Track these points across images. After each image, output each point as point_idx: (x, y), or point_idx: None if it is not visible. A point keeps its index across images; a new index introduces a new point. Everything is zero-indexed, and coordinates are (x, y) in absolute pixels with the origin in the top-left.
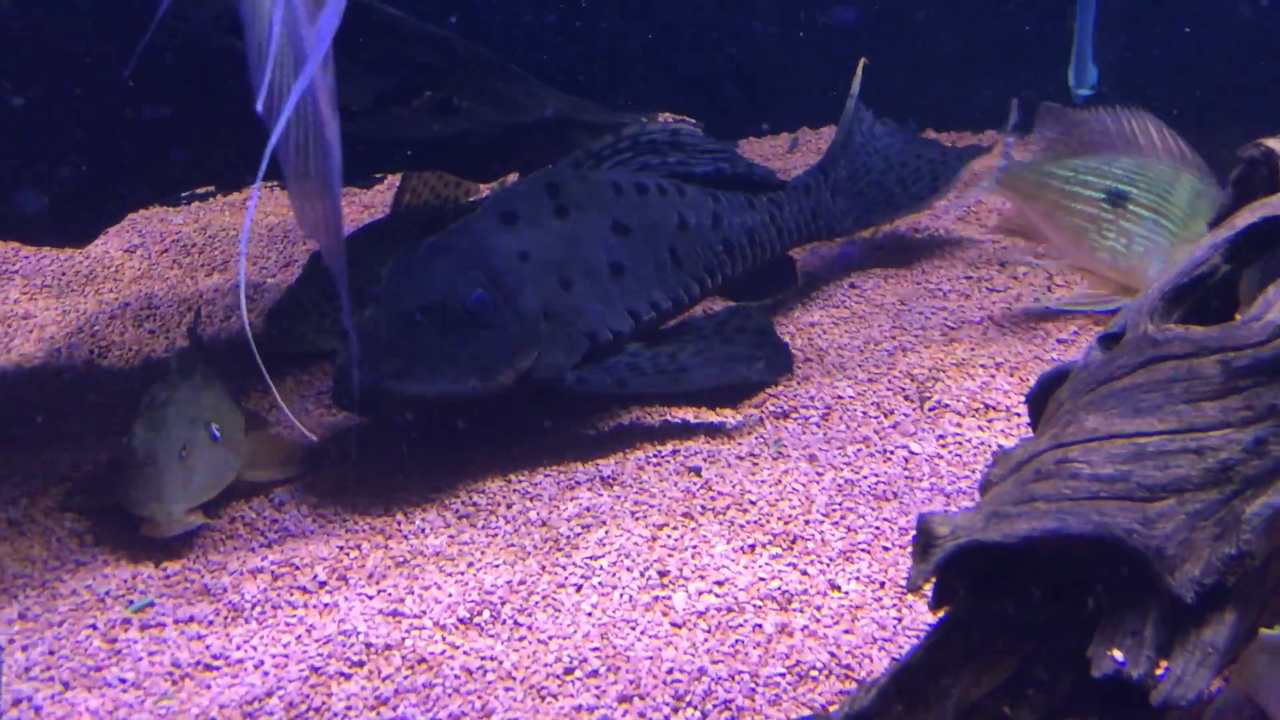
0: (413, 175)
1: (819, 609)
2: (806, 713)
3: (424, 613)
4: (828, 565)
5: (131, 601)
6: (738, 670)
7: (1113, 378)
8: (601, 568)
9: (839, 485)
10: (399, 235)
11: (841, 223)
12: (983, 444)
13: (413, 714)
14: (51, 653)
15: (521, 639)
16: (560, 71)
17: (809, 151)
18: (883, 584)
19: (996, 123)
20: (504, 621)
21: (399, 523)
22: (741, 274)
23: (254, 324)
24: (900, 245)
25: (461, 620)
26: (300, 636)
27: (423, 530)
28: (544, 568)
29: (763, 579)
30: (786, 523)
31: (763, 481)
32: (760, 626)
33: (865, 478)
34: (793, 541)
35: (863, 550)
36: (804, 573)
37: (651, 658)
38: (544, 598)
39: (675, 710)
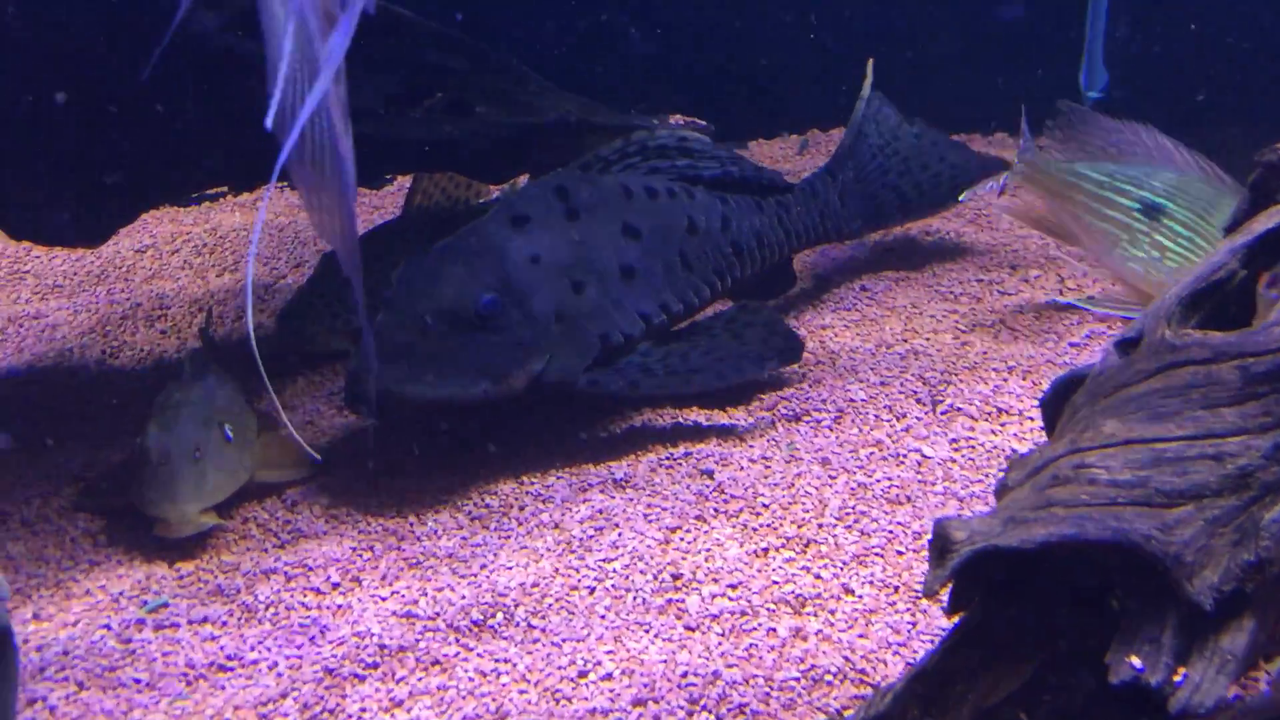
0: (424, 177)
1: (833, 613)
2: (821, 717)
3: (437, 614)
4: (841, 569)
5: (146, 602)
6: (752, 674)
7: (1130, 383)
8: (615, 570)
9: (852, 489)
10: (410, 236)
11: (849, 225)
12: (996, 448)
13: (427, 716)
14: (66, 653)
15: (535, 641)
16: (570, 73)
17: (819, 153)
18: (897, 588)
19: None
20: (517, 624)
21: (411, 524)
22: (750, 276)
23: (265, 324)
24: (911, 248)
25: (475, 622)
26: (314, 638)
27: (435, 532)
28: (557, 570)
29: (776, 582)
30: (800, 526)
31: (775, 484)
32: (774, 630)
33: (878, 481)
34: (806, 545)
35: (876, 554)
36: (817, 576)
37: (665, 661)
38: (557, 600)
39: (690, 714)
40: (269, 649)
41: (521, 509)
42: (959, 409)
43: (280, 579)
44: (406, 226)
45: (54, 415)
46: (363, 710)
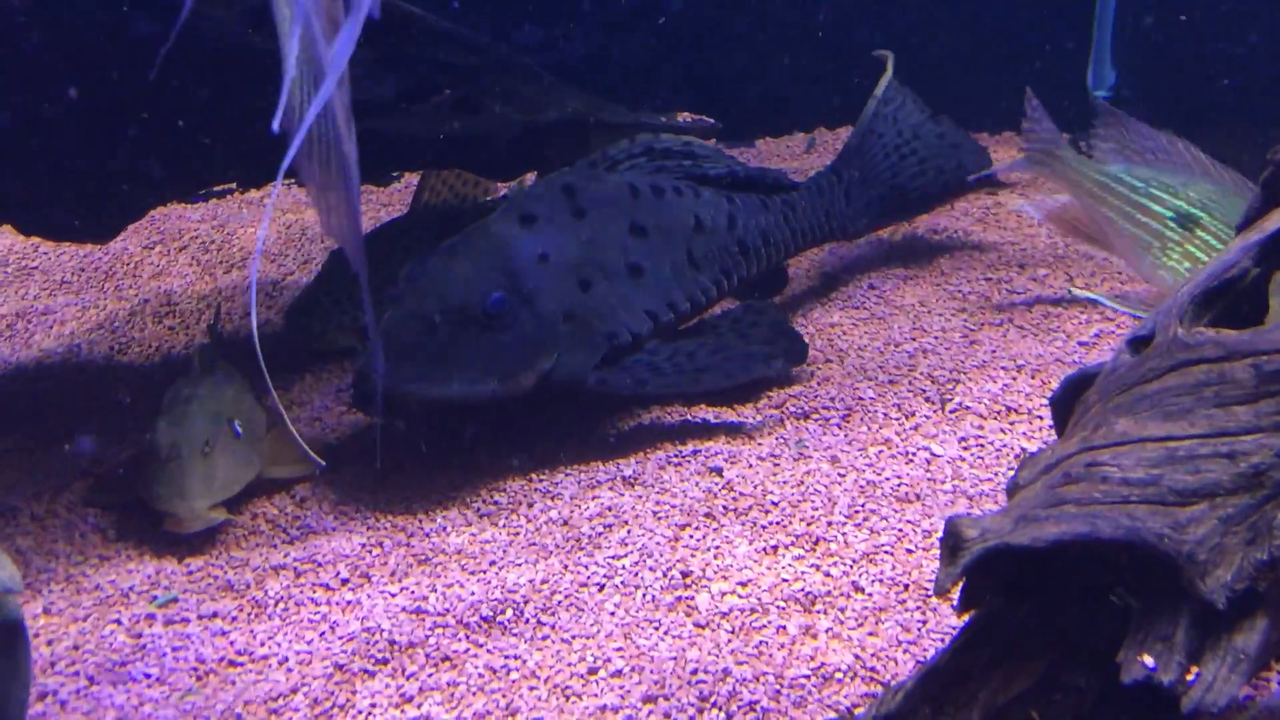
0: (432, 174)
1: (843, 611)
2: (832, 715)
3: (447, 610)
4: (851, 567)
5: (155, 597)
6: (762, 671)
7: (1143, 381)
8: (624, 567)
9: (861, 487)
10: (418, 234)
11: (855, 224)
12: (1005, 446)
13: (437, 712)
14: (76, 647)
15: (545, 638)
16: (577, 71)
17: (826, 152)
18: (907, 586)
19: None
20: (527, 620)
21: (420, 521)
22: (756, 275)
23: (273, 321)
24: (919, 247)
25: (485, 619)
26: (324, 633)
27: (444, 528)
28: (566, 567)
29: (786, 580)
30: (809, 524)
31: (784, 482)
32: (784, 628)
33: (887, 479)
34: (815, 543)
35: (886, 552)
36: (827, 574)
37: (675, 658)
38: (567, 597)
39: (700, 711)
40: (279, 644)
41: (530, 506)
42: (968, 407)
43: (290, 574)
44: (414, 224)
45: (63, 411)
46: (373, 706)
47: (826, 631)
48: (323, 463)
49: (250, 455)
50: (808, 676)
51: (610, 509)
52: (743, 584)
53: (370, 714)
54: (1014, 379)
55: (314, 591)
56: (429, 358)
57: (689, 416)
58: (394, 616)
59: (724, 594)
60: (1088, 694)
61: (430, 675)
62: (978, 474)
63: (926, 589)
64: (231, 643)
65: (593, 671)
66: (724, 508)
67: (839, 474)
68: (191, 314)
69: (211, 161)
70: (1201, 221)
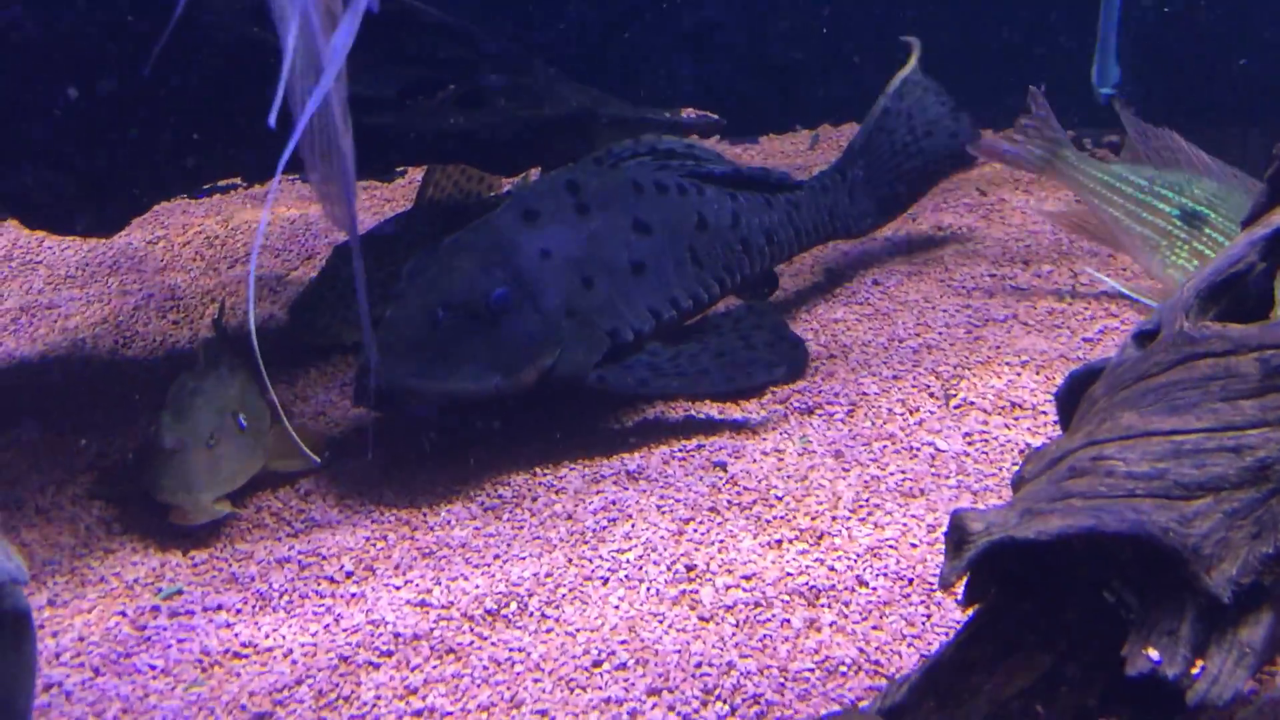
0: (436, 169)
1: (847, 605)
2: (836, 708)
3: (451, 604)
4: (855, 561)
5: (160, 589)
6: (766, 665)
7: (1149, 375)
8: (628, 561)
9: (865, 481)
10: (421, 229)
11: (859, 224)
12: (1009, 442)
13: (442, 704)
14: (81, 639)
15: (549, 631)
16: (582, 66)
17: (830, 149)
18: (911, 580)
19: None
20: (531, 614)
21: (424, 514)
22: (759, 274)
23: (277, 316)
24: (923, 242)
25: (489, 612)
26: (328, 626)
27: (448, 522)
28: (570, 561)
29: (790, 574)
30: (813, 518)
31: (788, 477)
32: (788, 621)
33: (891, 474)
34: (819, 537)
35: (890, 547)
36: (831, 568)
37: (679, 651)
38: (571, 590)
39: (704, 704)
40: (283, 636)
41: (534, 500)
42: (972, 403)
43: (294, 567)
44: (418, 219)
45: (67, 404)
46: (377, 698)
47: (831, 625)
48: (318, 459)
49: (255, 448)
50: (812, 670)
51: (614, 503)
52: (747, 578)
53: (375, 705)
54: (1018, 374)
55: (318, 584)
56: (431, 353)
57: (693, 412)
58: (398, 609)
59: (728, 588)
60: (1093, 688)
61: (434, 667)
62: (982, 469)
63: (930, 583)
64: (236, 635)
65: (597, 664)
66: (728, 502)
67: (843, 469)
68: (196, 308)
69: (215, 156)
70: (1208, 219)
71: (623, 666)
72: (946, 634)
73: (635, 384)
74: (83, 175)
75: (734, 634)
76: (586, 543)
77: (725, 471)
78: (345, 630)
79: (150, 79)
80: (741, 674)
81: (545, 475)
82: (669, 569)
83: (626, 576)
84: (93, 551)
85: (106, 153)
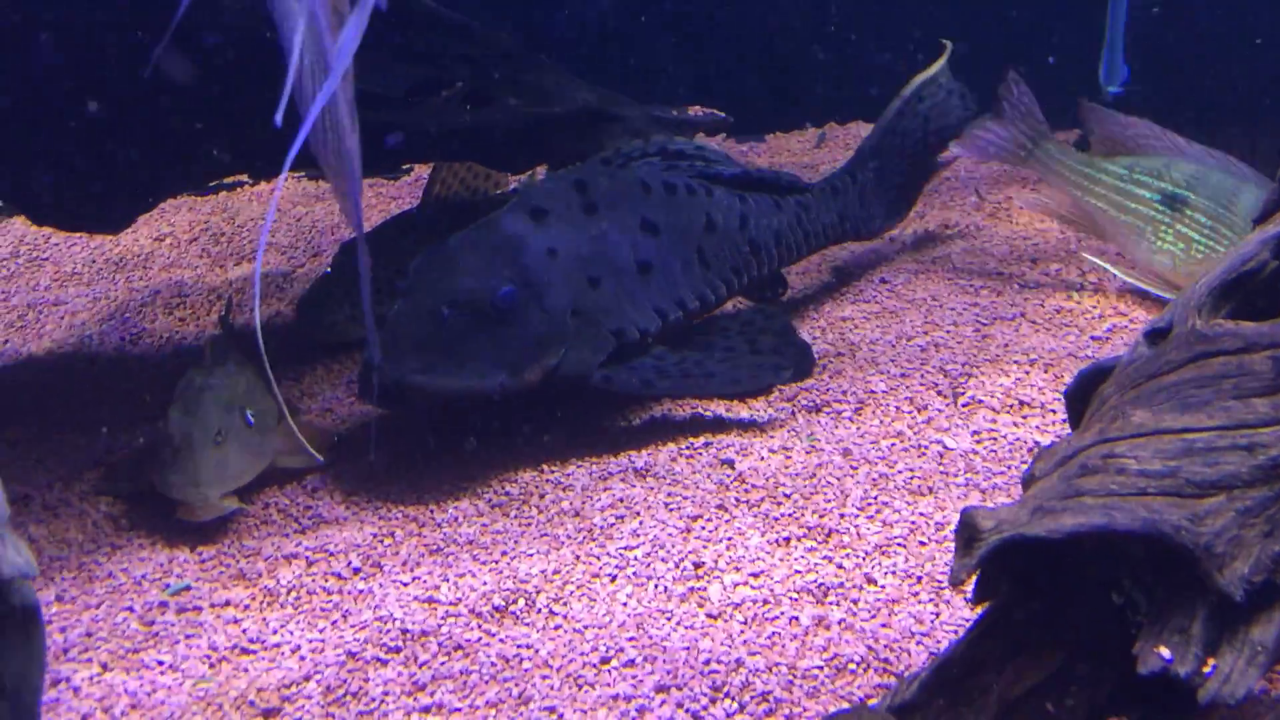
0: (443, 166)
1: (855, 602)
2: (845, 706)
3: (459, 600)
4: (863, 559)
5: (168, 585)
6: (775, 662)
7: (1161, 373)
8: (636, 558)
9: (873, 479)
10: (428, 226)
11: (869, 225)
12: (1018, 440)
13: (450, 701)
14: (89, 634)
15: (557, 628)
16: (589, 64)
17: (836, 147)
18: (919, 578)
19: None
20: (539, 610)
21: (432, 511)
22: (767, 276)
23: (284, 313)
24: (930, 240)
25: (497, 608)
26: (336, 622)
27: (455, 519)
28: (578, 557)
29: (798, 572)
30: (821, 516)
31: (796, 475)
32: (797, 619)
33: (900, 472)
34: (828, 535)
35: (899, 544)
36: (840, 566)
37: (688, 648)
38: (579, 587)
39: (713, 701)
40: (291, 632)
41: (542, 497)
42: (980, 401)
43: (302, 564)
44: (425, 217)
45: (74, 401)
46: (385, 693)
47: (839, 623)
48: (321, 458)
49: (262, 444)
50: (821, 667)
51: (622, 500)
52: (755, 575)
53: (383, 701)
54: (1026, 373)
55: (326, 580)
56: (436, 350)
57: (700, 410)
58: (406, 605)
59: (736, 585)
60: (1103, 686)
61: (443, 664)
62: (990, 467)
63: (939, 581)
64: (244, 630)
65: (605, 661)
66: (736, 499)
67: (851, 466)
68: (202, 305)
69: (222, 154)
70: (1189, 200)
71: (631, 663)
72: (955, 632)
73: (640, 384)
74: (89, 173)
75: (742, 631)
76: (594, 540)
77: (733, 469)
78: (353, 627)
79: (156, 77)
80: (750, 671)
81: (553, 472)
82: (677, 566)
83: (634, 573)
84: (100, 547)
85: (112, 151)
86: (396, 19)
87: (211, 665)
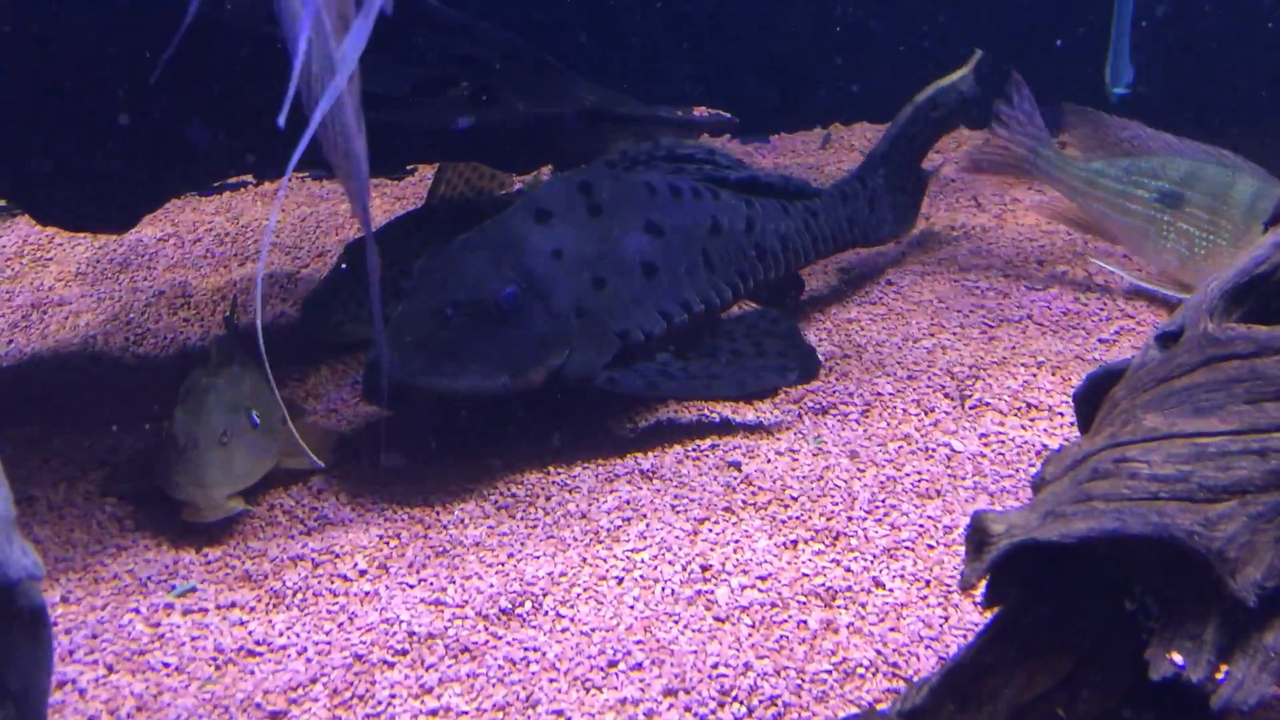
0: (448, 167)
1: (864, 606)
2: (854, 711)
3: (466, 602)
4: (871, 562)
5: (174, 586)
6: (783, 666)
7: (1172, 376)
8: (643, 561)
9: (881, 482)
10: (433, 226)
11: (878, 232)
12: (1026, 443)
13: (457, 703)
14: (94, 636)
15: (564, 631)
16: (593, 64)
17: (841, 148)
18: (928, 582)
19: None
20: (546, 613)
21: (437, 513)
22: (774, 280)
23: (289, 314)
24: (936, 242)
25: (504, 610)
26: (342, 624)
27: (461, 521)
28: (585, 560)
29: (806, 575)
30: (829, 519)
31: (803, 477)
32: (805, 623)
33: (907, 475)
34: (835, 538)
35: (907, 548)
36: (848, 569)
37: (696, 652)
38: (586, 590)
39: (721, 705)
40: (297, 634)
41: (548, 499)
42: (988, 403)
43: (308, 565)
44: (430, 217)
45: (79, 401)
46: (392, 696)
47: (848, 627)
48: (321, 464)
49: (268, 445)
50: (829, 671)
51: (629, 502)
52: (762, 578)
53: (390, 704)
54: (1034, 375)
55: (332, 582)
56: (440, 351)
57: (706, 412)
58: (412, 608)
59: (744, 588)
60: (1115, 691)
61: (450, 666)
62: (998, 470)
63: (948, 585)
64: (250, 632)
65: (612, 664)
66: (743, 502)
67: (858, 469)
68: (206, 306)
69: (227, 154)
70: (1187, 197)
71: (639, 667)
72: (964, 636)
73: (646, 386)
74: (94, 173)
75: (750, 635)
76: (601, 542)
77: (739, 471)
78: (359, 629)
79: (162, 76)
80: (758, 675)
81: (559, 474)
82: (684, 569)
83: (641, 576)
84: (106, 548)
85: (117, 150)
86: (401, 19)
87: (217, 667)
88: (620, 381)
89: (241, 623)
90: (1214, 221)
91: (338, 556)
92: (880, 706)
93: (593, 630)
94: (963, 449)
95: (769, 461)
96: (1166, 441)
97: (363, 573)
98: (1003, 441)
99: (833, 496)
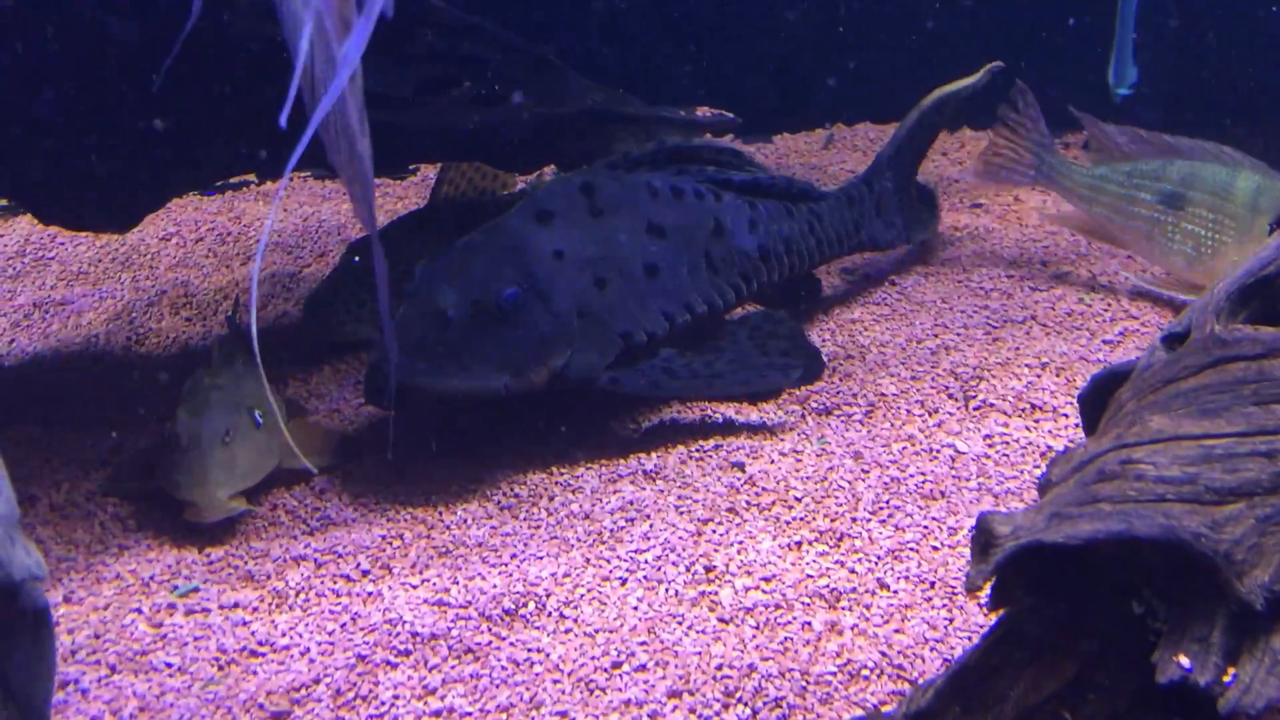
0: (451, 167)
1: (868, 607)
2: (859, 713)
3: (469, 603)
4: (876, 563)
5: (176, 586)
6: (788, 668)
7: (1178, 378)
8: (647, 561)
9: (885, 483)
10: (436, 226)
11: (885, 235)
12: (1030, 444)
13: (461, 704)
14: (97, 636)
15: (568, 631)
16: (595, 65)
17: (844, 148)
18: (933, 584)
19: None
20: (550, 614)
21: (440, 513)
22: (778, 282)
23: (291, 314)
24: (940, 243)
25: (507, 611)
26: (345, 625)
27: (464, 521)
28: (588, 560)
29: (810, 576)
30: (833, 520)
31: (807, 478)
32: (809, 624)
33: (911, 476)
34: (839, 539)
35: (911, 549)
36: (852, 571)
37: (700, 653)
38: (589, 591)
39: (726, 706)
40: (300, 635)
41: (551, 499)
42: (992, 404)
43: (310, 565)
44: (433, 217)
45: (80, 401)
46: (395, 697)
47: (852, 628)
48: (315, 469)
49: (270, 445)
50: (834, 673)
51: (632, 503)
52: (767, 579)
53: (393, 705)
54: (1038, 376)
55: (335, 583)
56: (442, 352)
57: (710, 412)
58: (416, 608)
59: (748, 589)
60: (1121, 695)
61: (453, 667)
62: (1003, 471)
63: (953, 586)
64: (253, 633)
65: (616, 665)
66: (746, 503)
67: (862, 470)
68: (208, 305)
69: (229, 154)
70: (1189, 197)
71: (643, 668)
72: (969, 638)
73: (648, 386)
74: (96, 172)
75: (754, 636)
76: (604, 542)
77: (743, 472)
78: (362, 629)
79: (165, 76)
80: (763, 677)
81: (562, 474)
82: (688, 570)
83: (645, 577)
84: (108, 548)
85: (119, 149)
86: (404, 18)
87: (220, 668)
88: (623, 381)
89: (244, 623)
90: (1217, 220)
91: (340, 557)
92: (885, 709)
93: (596, 631)
94: (967, 450)
95: (773, 462)
96: (1173, 443)
97: (366, 573)
98: (1007, 443)
99: (837, 497)
